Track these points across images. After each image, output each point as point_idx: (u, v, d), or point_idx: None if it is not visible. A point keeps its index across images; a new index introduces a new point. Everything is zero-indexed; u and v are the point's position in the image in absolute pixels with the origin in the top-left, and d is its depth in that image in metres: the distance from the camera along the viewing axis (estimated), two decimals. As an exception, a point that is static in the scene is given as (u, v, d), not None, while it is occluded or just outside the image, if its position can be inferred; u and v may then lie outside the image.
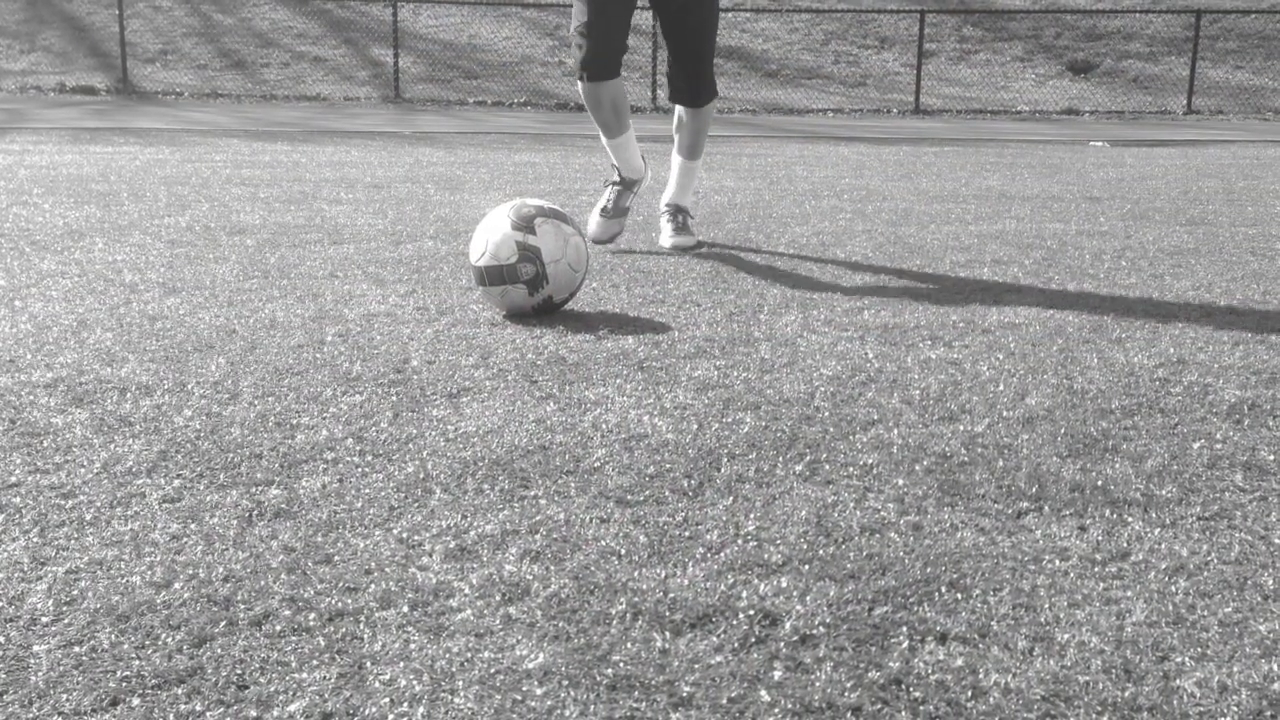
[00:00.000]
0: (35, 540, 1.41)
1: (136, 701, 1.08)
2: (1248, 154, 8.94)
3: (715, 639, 1.21)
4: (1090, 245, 3.96)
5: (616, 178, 3.78)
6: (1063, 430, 1.88)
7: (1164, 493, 1.62)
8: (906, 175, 6.65)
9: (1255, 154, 8.94)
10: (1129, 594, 1.32)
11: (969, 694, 1.11)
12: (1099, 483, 1.65)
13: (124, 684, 1.10)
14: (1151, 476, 1.68)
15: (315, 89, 16.19)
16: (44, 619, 1.22)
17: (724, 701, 1.10)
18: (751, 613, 1.25)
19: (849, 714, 1.08)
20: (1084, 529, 1.50)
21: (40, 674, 1.12)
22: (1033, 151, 8.88)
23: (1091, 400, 2.06)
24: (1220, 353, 2.42)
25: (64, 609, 1.24)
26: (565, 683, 1.12)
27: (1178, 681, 1.14)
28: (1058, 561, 1.40)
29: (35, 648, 1.17)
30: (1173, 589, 1.33)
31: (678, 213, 3.81)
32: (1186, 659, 1.18)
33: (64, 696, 1.08)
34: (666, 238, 3.78)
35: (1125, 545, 1.45)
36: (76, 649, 1.16)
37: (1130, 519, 1.53)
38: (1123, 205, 5.22)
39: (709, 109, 3.85)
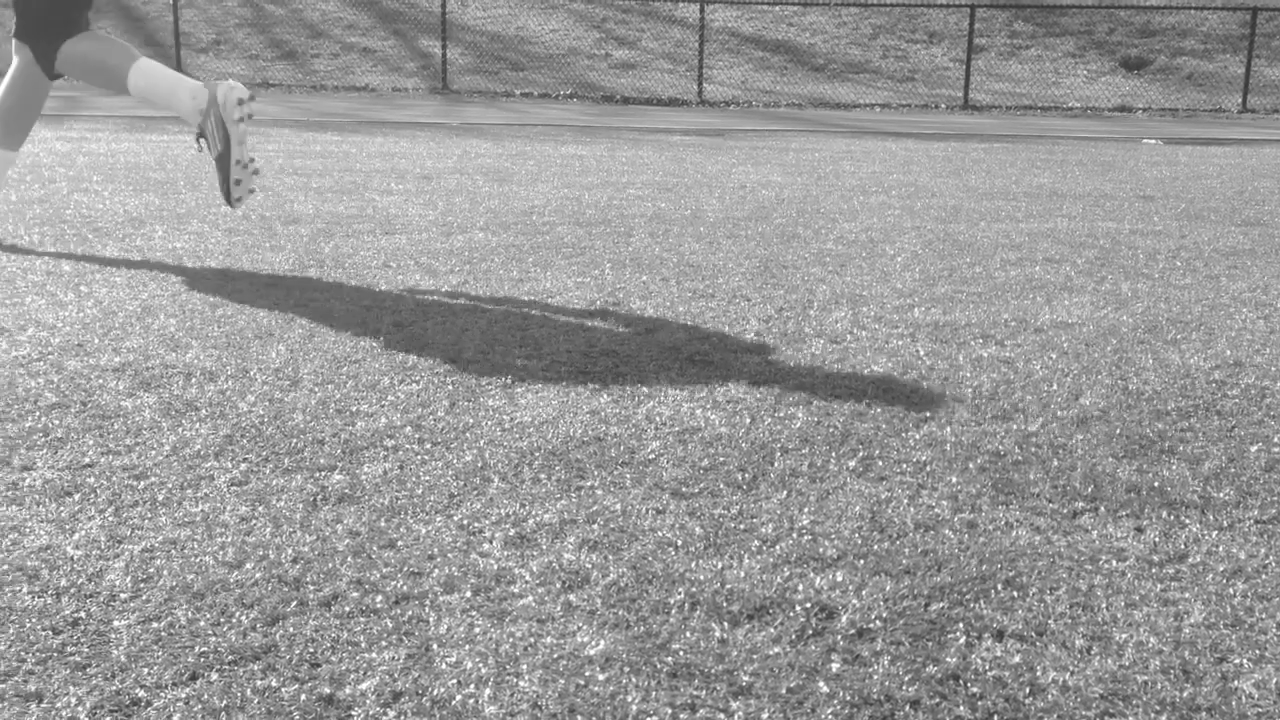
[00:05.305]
0: (111, 519, 1.46)
1: (215, 676, 1.11)
2: (1305, 153, 8.77)
3: (773, 630, 1.22)
4: (1144, 245, 3.92)
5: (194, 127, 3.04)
6: (1118, 431, 1.88)
7: (1221, 495, 1.62)
8: (955, 171, 6.60)
9: (1313, 153, 8.76)
10: (1187, 595, 1.32)
11: (1027, 690, 1.12)
12: (1155, 484, 1.65)
13: (202, 659, 1.14)
14: (1209, 479, 1.68)
15: (364, 80, 16.33)
16: (123, 595, 1.26)
17: (783, 691, 1.11)
18: (808, 605, 1.27)
19: (907, 707, 1.09)
20: (1141, 530, 1.50)
21: (121, 648, 1.16)
22: (1084, 149, 8.78)
23: (1147, 401, 2.05)
24: (1278, 355, 2.40)
25: (141, 586, 1.28)
26: (627, 669, 1.14)
27: (1236, 683, 1.14)
28: (1114, 562, 1.40)
29: (115, 623, 1.21)
30: (1230, 591, 1.33)
31: None
32: (1245, 660, 1.18)
33: (145, 670, 1.12)
34: None
35: (1183, 547, 1.45)
36: (155, 624, 1.20)
37: (1187, 521, 1.53)
38: (1177, 205, 5.15)
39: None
